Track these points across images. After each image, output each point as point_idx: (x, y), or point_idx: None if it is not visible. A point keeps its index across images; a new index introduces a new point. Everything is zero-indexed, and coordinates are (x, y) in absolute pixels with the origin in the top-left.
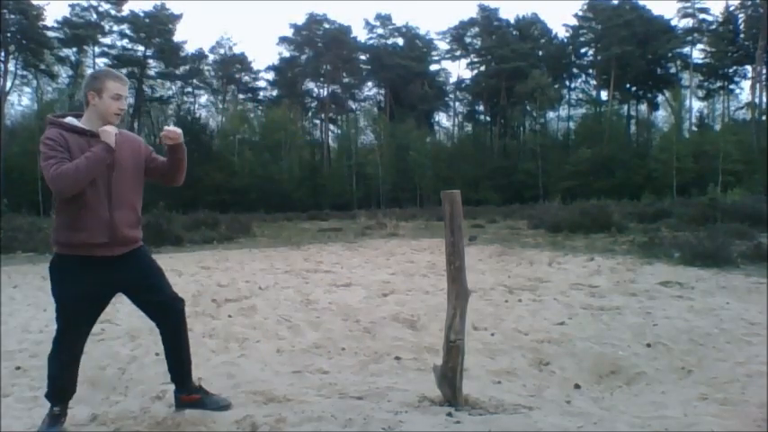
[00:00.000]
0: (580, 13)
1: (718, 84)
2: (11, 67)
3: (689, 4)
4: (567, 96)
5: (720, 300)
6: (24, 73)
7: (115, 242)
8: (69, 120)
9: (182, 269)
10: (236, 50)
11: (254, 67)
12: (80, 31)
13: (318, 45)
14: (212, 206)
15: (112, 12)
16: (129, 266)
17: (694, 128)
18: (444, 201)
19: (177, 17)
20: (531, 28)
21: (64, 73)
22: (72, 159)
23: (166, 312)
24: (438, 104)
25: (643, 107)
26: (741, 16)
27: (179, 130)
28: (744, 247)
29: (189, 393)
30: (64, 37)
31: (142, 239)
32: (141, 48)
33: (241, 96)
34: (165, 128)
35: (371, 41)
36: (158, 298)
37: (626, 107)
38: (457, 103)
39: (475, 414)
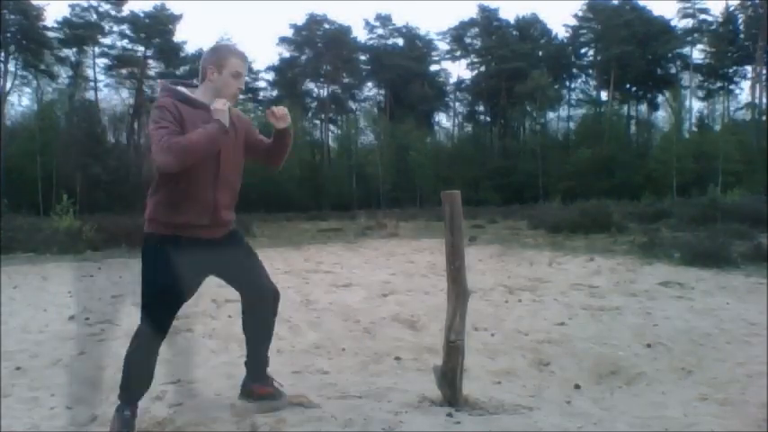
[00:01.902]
0: (580, 14)
1: (718, 84)
2: (11, 67)
3: (689, 5)
4: (567, 96)
5: (720, 300)
6: (24, 73)
7: (216, 224)
8: (178, 88)
9: None
10: None
11: (254, 67)
12: (80, 32)
13: (318, 45)
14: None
15: (112, 12)
16: (227, 248)
17: (694, 128)
18: (444, 201)
19: (177, 17)
20: (531, 28)
21: (64, 73)
22: (184, 133)
23: (263, 295)
24: (438, 105)
25: (643, 107)
26: (741, 16)
27: (286, 111)
28: (744, 247)
29: (264, 385)
30: (64, 37)
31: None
32: (141, 48)
33: (241, 96)
34: (274, 108)
35: (371, 41)
36: (259, 280)
37: (626, 107)
38: (457, 104)
39: (475, 414)
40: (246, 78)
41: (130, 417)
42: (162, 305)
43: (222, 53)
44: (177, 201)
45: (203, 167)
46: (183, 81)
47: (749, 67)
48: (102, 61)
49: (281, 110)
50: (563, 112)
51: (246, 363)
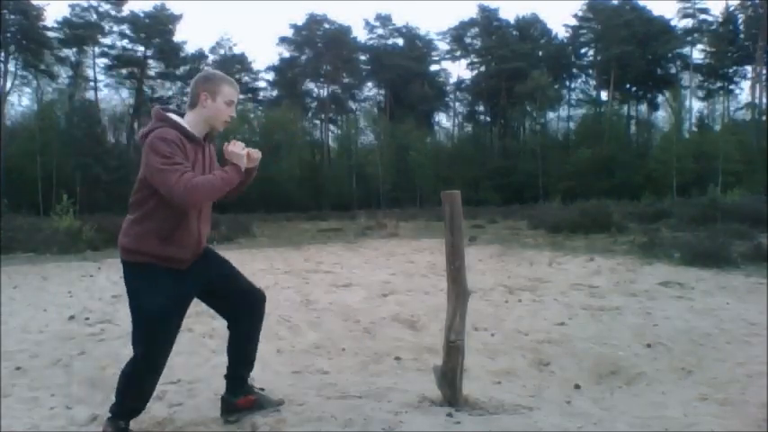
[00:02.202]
0: (580, 14)
1: (718, 84)
2: (11, 67)
3: (689, 5)
4: (567, 96)
5: (720, 300)
6: (24, 73)
7: (195, 255)
8: (177, 119)
9: None
10: (236, 50)
11: (254, 67)
12: (80, 32)
13: (318, 45)
14: (212, 206)
15: (112, 12)
16: (201, 265)
17: (694, 128)
18: (444, 201)
19: (177, 17)
20: (531, 28)
21: (64, 73)
22: (191, 169)
23: (249, 299)
24: (438, 105)
25: (643, 107)
26: (741, 16)
27: (260, 154)
28: (744, 247)
29: (245, 395)
30: (64, 37)
31: None
32: (141, 48)
33: (241, 96)
34: (251, 151)
35: (371, 42)
36: (241, 286)
37: (626, 107)
38: (457, 104)
39: (475, 414)
40: (246, 78)
41: (125, 428)
42: (157, 335)
43: (217, 81)
44: (167, 233)
45: None
46: (173, 110)
47: (749, 67)
48: (102, 61)
49: (255, 153)
50: (563, 112)
51: (229, 376)
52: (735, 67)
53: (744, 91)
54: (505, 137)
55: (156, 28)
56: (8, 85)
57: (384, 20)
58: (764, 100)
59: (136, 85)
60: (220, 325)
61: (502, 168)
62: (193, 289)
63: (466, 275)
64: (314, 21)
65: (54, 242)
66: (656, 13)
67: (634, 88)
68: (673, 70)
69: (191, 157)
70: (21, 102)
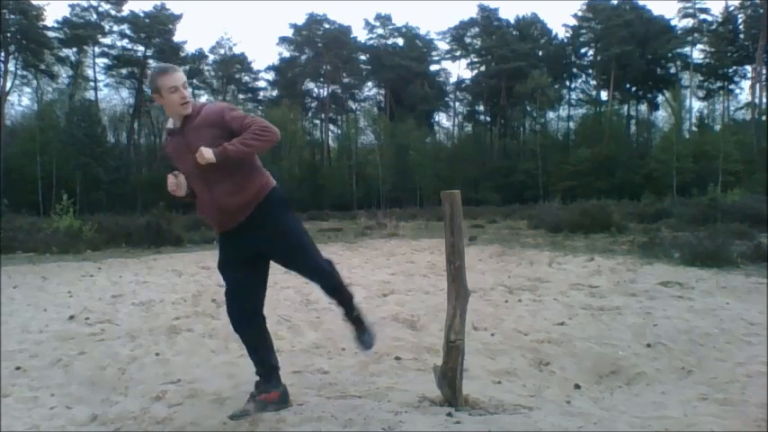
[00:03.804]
0: (580, 13)
1: (718, 84)
2: (11, 67)
3: (689, 4)
4: (567, 96)
5: (720, 300)
6: (24, 73)
7: (223, 213)
8: (169, 122)
9: (182, 269)
10: (236, 50)
11: (254, 67)
12: (80, 31)
13: (318, 45)
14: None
15: (112, 12)
16: (255, 232)
17: (694, 128)
18: (444, 201)
19: (177, 17)
20: (531, 28)
21: (64, 73)
22: (171, 159)
23: (313, 277)
24: (438, 104)
25: (643, 107)
26: (741, 16)
27: (206, 154)
28: (744, 247)
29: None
30: (64, 37)
31: (269, 198)
32: (141, 48)
33: (241, 96)
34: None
35: (371, 41)
36: (298, 266)
37: (626, 107)
38: (457, 104)
39: (475, 414)
40: (246, 78)
41: (285, 392)
42: (229, 297)
43: (153, 79)
44: (197, 206)
45: (191, 175)
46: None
47: (749, 67)
48: (102, 61)
49: (200, 155)
50: (563, 111)
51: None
52: (735, 67)
53: (744, 91)
54: (505, 137)
55: (156, 28)
56: (8, 85)
57: (384, 20)
58: (764, 100)
59: (136, 85)
60: (220, 325)
61: (502, 168)
62: (249, 250)
63: (466, 275)
64: (314, 21)
65: (54, 242)
66: (656, 12)
67: (634, 88)
68: (673, 70)
69: (172, 147)
70: (21, 102)
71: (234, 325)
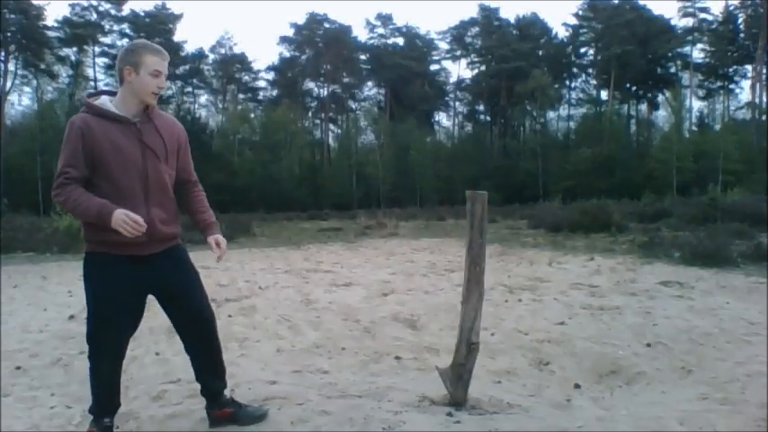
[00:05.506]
0: (580, 13)
1: (718, 84)
2: (11, 67)
3: (689, 4)
4: (567, 96)
5: (720, 300)
6: (24, 73)
7: (152, 240)
8: (102, 101)
9: None
10: (236, 50)
11: (254, 66)
12: (80, 31)
13: (318, 45)
14: (212, 206)
15: (112, 11)
16: (162, 266)
17: (694, 128)
18: (474, 202)
19: (177, 17)
20: (531, 28)
21: (64, 73)
22: (94, 147)
23: (194, 321)
24: (438, 104)
25: (643, 107)
26: (741, 16)
27: (223, 245)
28: (744, 247)
29: (220, 408)
30: (64, 37)
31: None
32: None
33: (241, 96)
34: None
35: (371, 41)
36: (189, 304)
37: (626, 107)
38: (457, 103)
39: (475, 414)
40: (246, 78)
41: (110, 426)
42: (99, 323)
43: (138, 51)
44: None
45: (128, 180)
46: (107, 91)
47: (749, 67)
48: (102, 61)
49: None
50: (563, 111)
51: (201, 388)
52: (735, 67)
53: (744, 90)
54: (505, 136)
55: (156, 27)
56: (8, 84)
57: (384, 19)
58: (764, 99)
59: None
60: (220, 324)
61: (502, 168)
62: (146, 285)
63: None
64: (314, 20)
65: (54, 242)
66: (656, 12)
67: (634, 88)
68: (673, 70)
69: (101, 137)
70: (21, 101)
71: (106, 355)
